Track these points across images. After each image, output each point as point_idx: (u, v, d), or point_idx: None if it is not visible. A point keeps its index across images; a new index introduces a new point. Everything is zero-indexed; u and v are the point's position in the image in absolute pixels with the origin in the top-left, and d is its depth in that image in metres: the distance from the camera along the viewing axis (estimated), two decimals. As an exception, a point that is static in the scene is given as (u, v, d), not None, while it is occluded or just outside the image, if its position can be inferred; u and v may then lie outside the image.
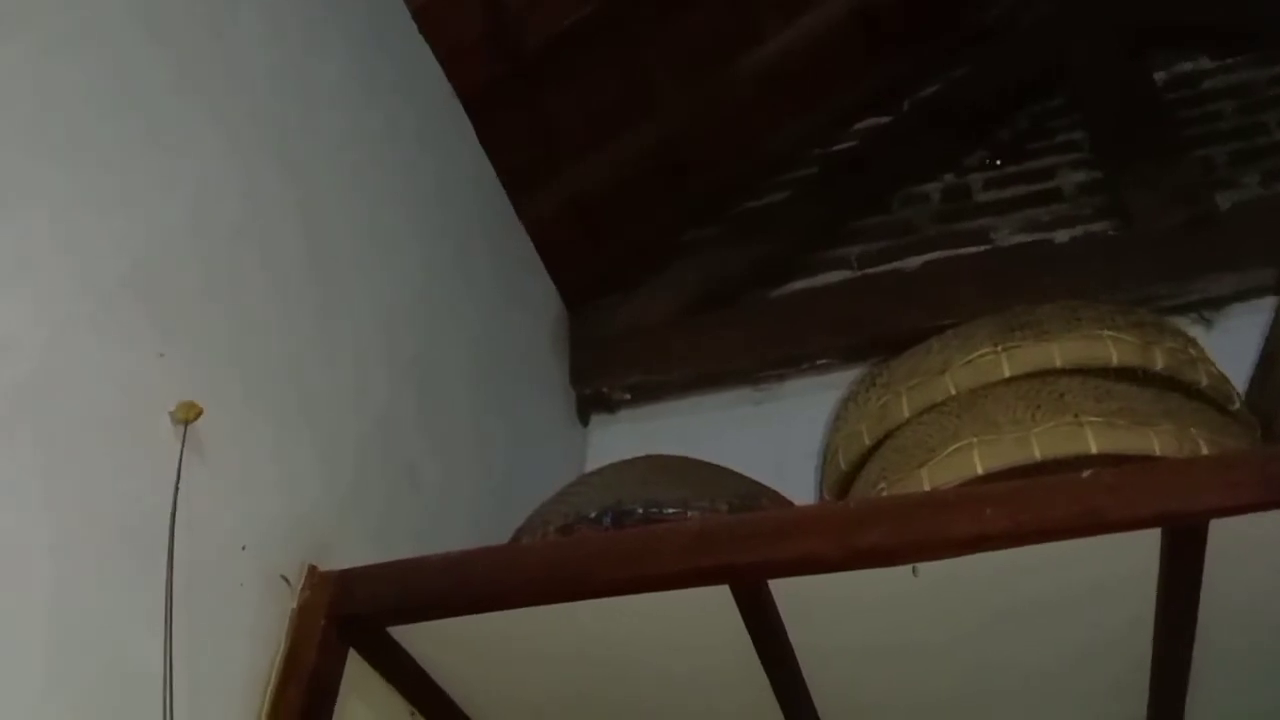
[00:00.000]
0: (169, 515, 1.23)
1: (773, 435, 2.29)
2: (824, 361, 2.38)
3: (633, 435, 2.39)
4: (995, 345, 1.78)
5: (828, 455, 2.07)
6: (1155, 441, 1.58)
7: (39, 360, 1.14)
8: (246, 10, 1.58)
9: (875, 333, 2.32)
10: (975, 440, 1.63)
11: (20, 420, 1.10)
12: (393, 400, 1.77)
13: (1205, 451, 1.60)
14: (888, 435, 1.85)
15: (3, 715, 1.03)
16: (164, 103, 1.38)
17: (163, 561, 1.21)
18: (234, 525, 1.36)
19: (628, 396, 2.50)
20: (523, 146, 2.30)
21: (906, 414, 1.82)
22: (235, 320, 1.43)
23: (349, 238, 1.73)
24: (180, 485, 1.25)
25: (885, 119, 2.79)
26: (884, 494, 1.71)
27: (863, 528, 1.33)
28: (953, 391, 1.78)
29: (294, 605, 1.42)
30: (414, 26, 2.01)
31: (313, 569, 1.46)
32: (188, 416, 1.28)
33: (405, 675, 1.53)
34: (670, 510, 1.63)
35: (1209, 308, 2.19)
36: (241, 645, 1.33)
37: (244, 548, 1.36)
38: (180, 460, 1.25)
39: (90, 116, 1.26)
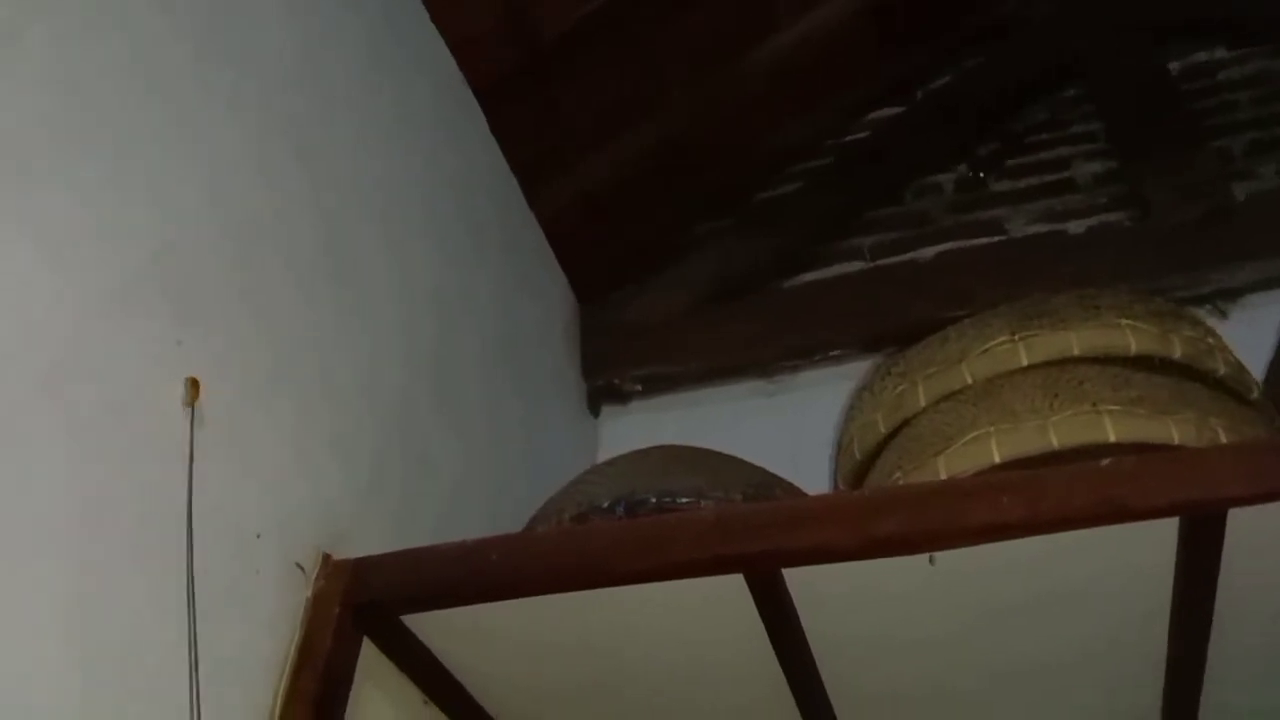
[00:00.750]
0: (186, 502, 1.23)
1: (787, 426, 2.28)
2: (837, 352, 2.37)
3: (644, 427, 2.39)
4: (1013, 334, 1.78)
5: (843, 445, 2.07)
6: (1174, 430, 1.57)
7: (65, 345, 1.14)
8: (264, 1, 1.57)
9: (889, 324, 2.32)
10: (992, 429, 1.63)
11: (47, 403, 1.10)
12: (408, 390, 1.77)
13: (1224, 440, 1.60)
14: (904, 424, 1.84)
15: (26, 695, 1.03)
16: (183, 91, 1.38)
17: (180, 546, 1.21)
18: (249, 513, 1.36)
19: (639, 388, 2.50)
20: (535, 139, 2.30)
21: (923, 403, 1.81)
22: (252, 308, 1.43)
23: (364, 226, 1.73)
24: (195, 471, 1.25)
25: (898, 110, 2.78)
26: (900, 483, 1.70)
27: (879, 516, 1.33)
28: (970, 380, 1.77)
29: (309, 593, 1.42)
30: (426, 17, 2.00)
31: (327, 557, 1.46)
32: (192, 399, 1.27)
33: (418, 663, 1.53)
34: (684, 500, 1.62)
35: (1225, 299, 2.18)
36: (256, 633, 1.33)
37: (259, 535, 1.36)
38: (190, 442, 1.25)
39: (110, 102, 1.26)
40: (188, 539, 1.21)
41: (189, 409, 1.26)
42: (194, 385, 1.27)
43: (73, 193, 1.19)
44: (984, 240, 2.49)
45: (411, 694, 1.54)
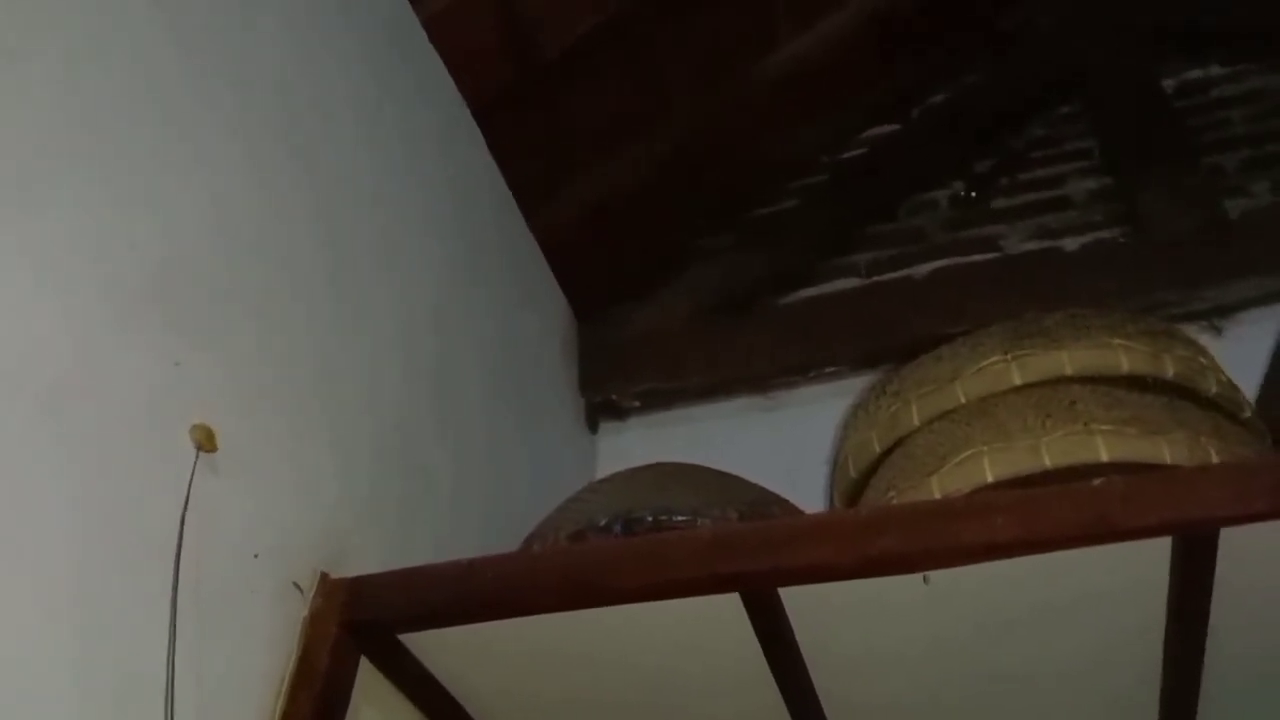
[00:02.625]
0: (191, 524, 1.24)
1: (783, 443, 2.29)
2: (834, 369, 2.38)
3: (643, 443, 2.40)
4: (1006, 353, 1.78)
5: (838, 463, 2.07)
6: (1166, 450, 1.58)
7: (66, 364, 1.15)
8: (265, 20, 1.59)
9: (885, 340, 2.32)
10: (986, 448, 1.64)
11: (46, 423, 1.11)
12: (407, 407, 1.77)
13: (1216, 460, 1.60)
14: (898, 443, 1.85)
15: (23, 714, 1.04)
16: (183, 109, 1.39)
17: (181, 565, 1.22)
18: (247, 532, 1.36)
19: (637, 404, 2.50)
20: (537, 154, 2.31)
21: (917, 422, 1.82)
22: (252, 327, 1.44)
23: (365, 245, 1.74)
24: (193, 496, 1.25)
25: (895, 127, 2.80)
26: (894, 502, 1.71)
27: (873, 535, 1.33)
28: (963, 399, 1.78)
29: (306, 613, 1.42)
30: (425, 34, 2.01)
31: (324, 576, 1.46)
32: (204, 444, 1.28)
33: (416, 682, 1.53)
34: (680, 518, 1.63)
35: (1219, 315, 2.19)
36: (254, 652, 1.34)
37: (256, 555, 1.37)
38: (190, 485, 1.25)
39: (112, 122, 1.27)
40: (175, 560, 1.21)
41: (196, 451, 1.28)
42: (207, 433, 1.29)
43: (73, 210, 1.19)
44: (980, 257, 2.50)
45: (409, 713, 1.55)
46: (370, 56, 1.85)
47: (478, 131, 2.17)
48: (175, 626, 1.20)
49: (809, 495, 2.09)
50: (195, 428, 1.28)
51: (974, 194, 2.60)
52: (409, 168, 1.93)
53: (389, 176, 1.85)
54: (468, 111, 2.13)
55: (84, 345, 1.18)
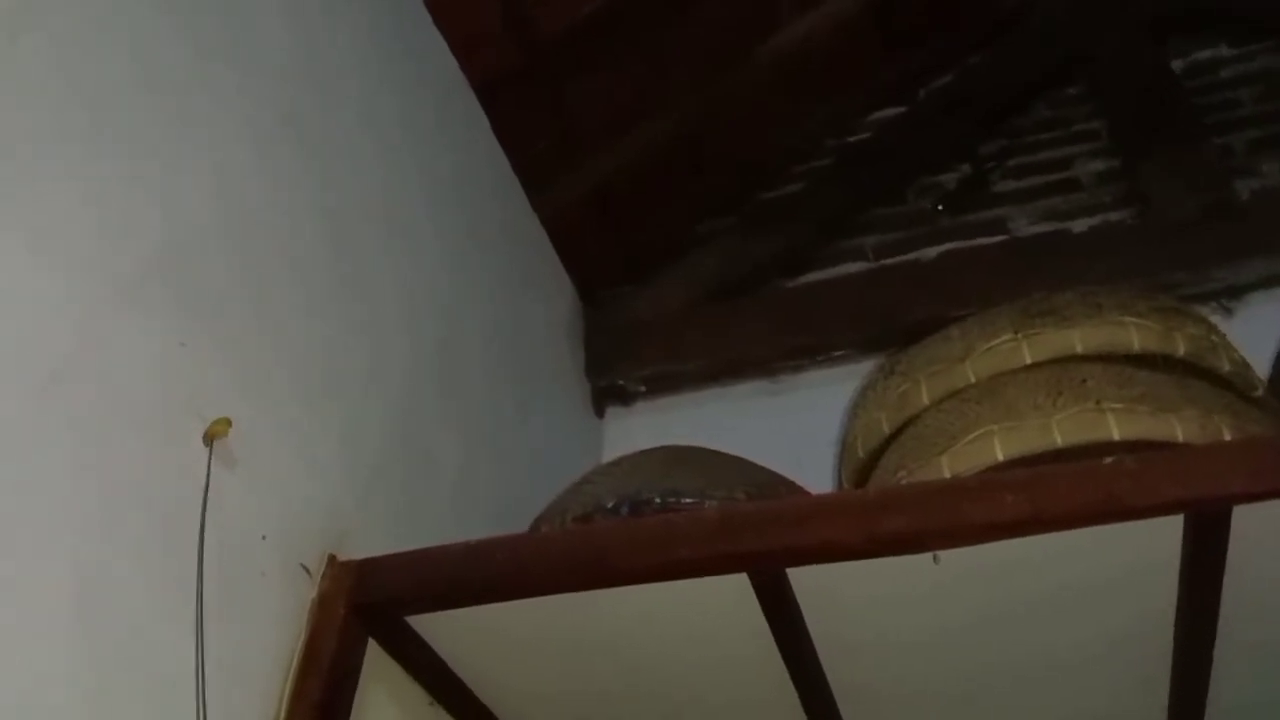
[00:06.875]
0: (196, 509, 1.23)
1: (790, 426, 2.28)
2: (841, 352, 2.37)
3: (649, 427, 2.39)
4: (1016, 332, 1.78)
5: (846, 444, 2.07)
6: (1178, 428, 1.57)
7: (71, 346, 1.14)
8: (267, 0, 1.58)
9: (892, 323, 2.31)
10: (996, 427, 1.63)
11: (53, 406, 1.11)
12: (413, 390, 1.77)
13: (1228, 438, 1.59)
14: (907, 423, 1.84)
15: (36, 698, 1.04)
16: (185, 90, 1.39)
17: (186, 549, 1.22)
18: (255, 515, 1.36)
19: (643, 389, 2.50)
20: (541, 136, 2.30)
21: (926, 401, 1.81)
22: (255, 309, 1.44)
23: (368, 226, 1.73)
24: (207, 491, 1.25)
25: (901, 109, 2.78)
26: (904, 481, 1.70)
27: (883, 515, 1.33)
28: (973, 379, 1.77)
29: (314, 595, 1.42)
30: (428, 15, 2.01)
31: (332, 558, 1.46)
32: (216, 432, 1.28)
33: (424, 664, 1.53)
34: (688, 500, 1.62)
35: (1230, 296, 2.18)
36: (262, 634, 1.33)
37: (264, 537, 1.36)
38: (208, 474, 1.25)
39: (113, 102, 1.27)
40: (199, 547, 1.21)
41: (209, 442, 1.27)
42: (222, 423, 1.29)
43: (75, 193, 1.19)
44: (987, 240, 2.49)
45: (417, 695, 1.55)
46: (372, 37, 1.84)
47: (481, 113, 2.16)
48: (202, 611, 1.20)
49: (815, 480, 2.08)
50: (213, 421, 1.28)
51: (981, 177, 2.59)
52: (412, 150, 1.92)
53: (392, 158, 1.85)
54: (471, 93, 2.13)
55: (87, 327, 1.17)
